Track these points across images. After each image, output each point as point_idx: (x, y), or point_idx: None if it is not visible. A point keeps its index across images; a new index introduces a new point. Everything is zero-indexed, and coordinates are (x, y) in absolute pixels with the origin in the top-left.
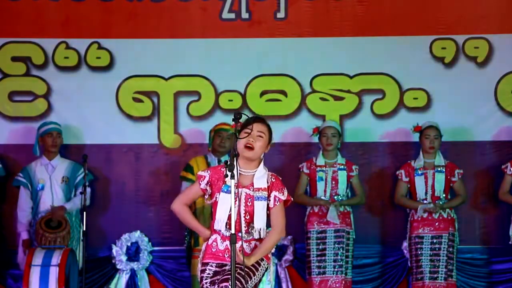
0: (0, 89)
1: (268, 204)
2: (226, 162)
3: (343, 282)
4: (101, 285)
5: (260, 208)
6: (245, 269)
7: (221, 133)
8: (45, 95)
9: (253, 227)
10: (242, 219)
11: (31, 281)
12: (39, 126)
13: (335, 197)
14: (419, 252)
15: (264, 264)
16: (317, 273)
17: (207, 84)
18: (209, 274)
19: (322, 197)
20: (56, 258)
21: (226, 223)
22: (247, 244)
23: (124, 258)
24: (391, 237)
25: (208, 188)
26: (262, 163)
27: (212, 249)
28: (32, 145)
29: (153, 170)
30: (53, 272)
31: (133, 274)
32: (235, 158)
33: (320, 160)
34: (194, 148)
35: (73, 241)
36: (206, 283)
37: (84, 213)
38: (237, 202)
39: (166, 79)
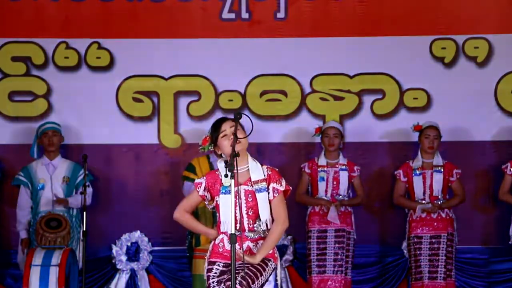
0: (0, 89)
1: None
2: (226, 162)
3: (343, 281)
4: (101, 285)
5: (263, 200)
6: (252, 268)
7: None
8: (45, 95)
9: (260, 220)
10: (245, 216)
11: (31, 281)
12: (37, 128)
13: (336, 197)
14: (418, 252)
15: (271, 265)
16: (317, 272)
17: (207, 84)
18: (216, 273)
19: (323, 197)
20: (56, 258)
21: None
22: (253, 244)
23: (124, 258)
24: (390, 237)
25: (206, 194)
26: (249, 156)
27: (219, 249)
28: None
29: (153, 170)
30: (53, 272)
31: (133, 274)
32: (235, 158)
33: (322, 160)
34: (194, 148)
35: (73, 241)
36: (213, 282)
37: (84, 213)
38: (237, 200)
39: (166, 79)
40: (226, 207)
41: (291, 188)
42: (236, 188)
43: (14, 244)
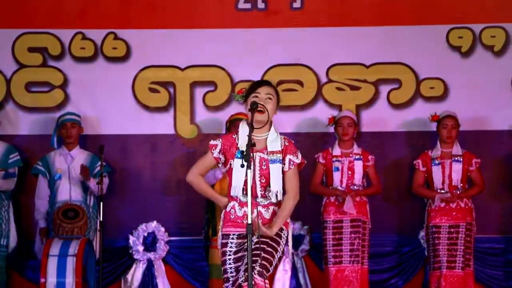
0: (17, 80)
1: (282, 168)
2: (242, 152)
3: (360, 271)
4: (118, 275)
5: (275, 171)
6: (268, 249)
7: (236, 123)
8: (62, 85)
9: (270, 190)
10: (258, 183)
11: (49, 271)
12: (57, 119)
13: (351, 187)
14: (436, 242)
15: (284, 234)
16: (333, 262)
17: (223, 74)
18: (231, 248)
19: (338, 187)
20: (73, 248)
21: (243, 188)
22: (265, 209)
23: (141, 248)
24: (408, 226)
25: (221, 156)
26: (273, 126)
27: (231, 216)
28: (50, 135)
29: (169, 160)
30: (70, 262)
31: (150, 264)
32: (250, 148)
33: (336, 150)
34: (210, 138)
35: (90, 231)
36: (229, 259)
37: (101, 203)
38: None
39: (182, 70)
40: (239, 171)
41: (305, 161)
42: (252, 155)
43: (33, 234)
